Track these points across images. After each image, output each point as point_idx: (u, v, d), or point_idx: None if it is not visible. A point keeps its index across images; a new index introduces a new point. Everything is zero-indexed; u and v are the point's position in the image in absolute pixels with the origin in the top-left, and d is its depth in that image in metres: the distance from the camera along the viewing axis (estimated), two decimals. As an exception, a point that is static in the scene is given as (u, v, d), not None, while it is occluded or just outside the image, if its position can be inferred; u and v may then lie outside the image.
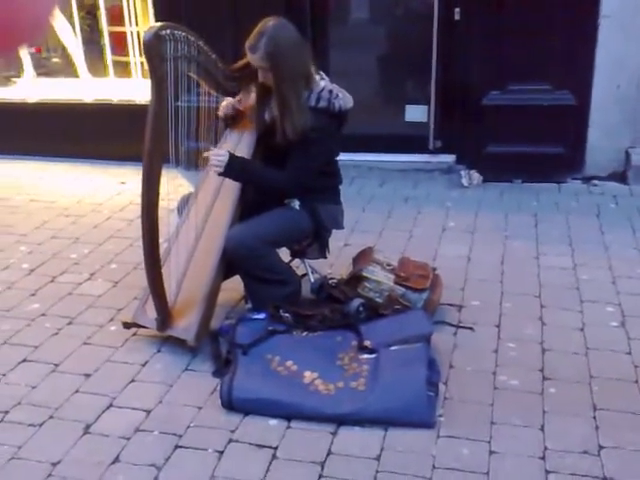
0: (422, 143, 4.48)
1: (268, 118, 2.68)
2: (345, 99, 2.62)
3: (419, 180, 4.39)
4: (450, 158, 4.48)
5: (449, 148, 4.47)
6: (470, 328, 2.73)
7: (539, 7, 4.06)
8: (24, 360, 2.58)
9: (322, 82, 2.61)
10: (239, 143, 2.81)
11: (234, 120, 2.88)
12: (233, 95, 2.80)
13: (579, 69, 4.12)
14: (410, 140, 4.54)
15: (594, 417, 2.21)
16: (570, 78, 4.14)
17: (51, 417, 2.26)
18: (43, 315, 2.91)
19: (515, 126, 4.21)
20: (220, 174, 2.58)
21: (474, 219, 3.82)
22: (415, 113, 4.54)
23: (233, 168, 2.56)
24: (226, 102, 2.80)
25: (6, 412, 2.29)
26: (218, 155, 2.54)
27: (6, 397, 2.36)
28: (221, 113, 2.83)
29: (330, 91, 2.58)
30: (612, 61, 4.06)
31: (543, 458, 2.04)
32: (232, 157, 2.55)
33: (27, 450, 2.11)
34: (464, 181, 4.31)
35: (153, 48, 2.30)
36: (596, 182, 4.26)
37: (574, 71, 4.12)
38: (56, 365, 2.54)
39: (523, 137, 4.23)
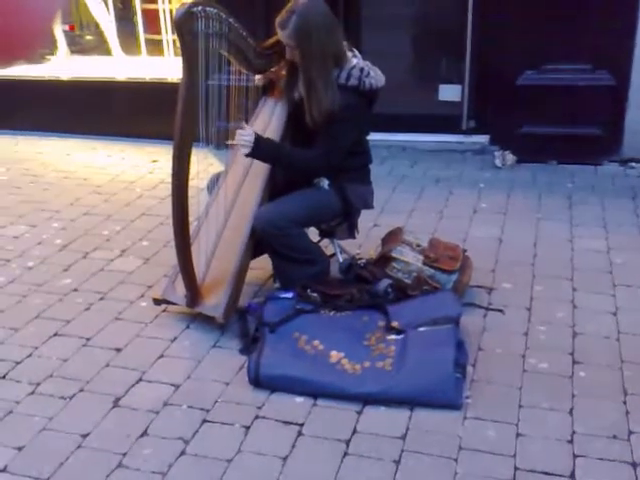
0: (455, 123, 4.42)
1: (297, 97, 2.67)
2: (377, 77, 2.59)
3: (451, 161, 4.34)
4: (484, 138, 4.42)
5: (483, 128, 4.40)
6: (500, 310, 2.70)
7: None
8: (56, 334, 2.63)
9: (354, 60, 2.58)
10: (273, 113, 2.81)
11: (270, 88, 2.86)
12: (264, 73, 2.78)
13: (618, 48, 4.00)
14: (443, 120, 4.48)
15: (624, 402, 2.17)
16: (609, 58, 4.03)
17: (82, 390, 2.30)
18: (75, 290, 2.95)
19: (551, 106, 4.13)
20: (247, 155, 2.57)
21: (506, 200, 3.77)
22: (449, 92, 4.47)
23: (260, 149, 2.54)
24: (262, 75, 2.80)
25: (38, 384, 2.33)
26: (244, 135, 2.53)
27: (38, 369, 2.41)
28: (259, 82, 2.82)
29: (361, 69, 2.55)
30: (653, 40, 3.95)
31: (571, 442, 2.02)
32: (258, 138, 2.53)
33: (58, 422, 2.16)
34: (497, 162, 4.25)
35: (185, 25, 2.29)
36: (633, 164, 4.16)
37: (613, 50, 4.01)
38: (87, 339, 2.59)
39: (559, 118, 4.15)
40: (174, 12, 2.38)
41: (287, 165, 2.69)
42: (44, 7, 0.85)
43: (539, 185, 3.96)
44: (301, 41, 2.47)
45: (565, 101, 4.11)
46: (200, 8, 2.33)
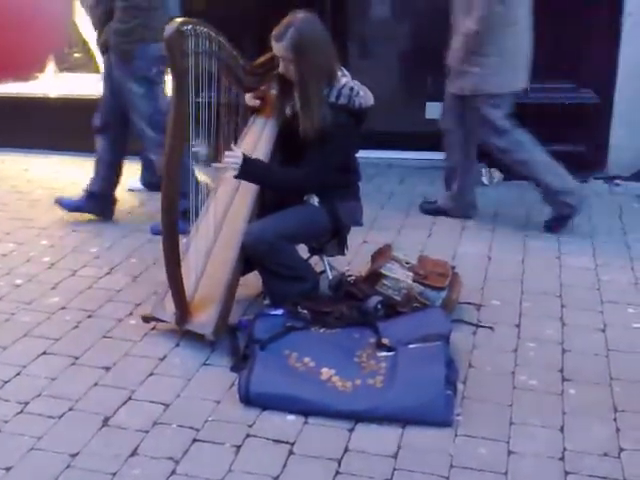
0: (442, 141, 4.44)
1: (289, 112, 2.68)
2: (366, 97, 2.62)
3: (439, 178, 4.35)
4: (470, 156, 4.44)
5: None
6: (490, 327, 2.71)
7: (562, 4, 4.01)
8: (44, 352, 2.60)
9: (343, 79, 2.61)
10: (263, 131, 2.82)
11: (260, 107, 2.88)
12: (254, 91, 2.80)
13: (602, 67, 4.07)
14: (430, 137, 4.50)
15: (614, 419, 2.18)
16: (593, 76, 4.09)
17: (70, 409, 2.28)
18: (63, 308, 2.93)
19: (536, 125, 4.15)
20: (235, 177, 2.58)
21: (494, 218, 3.79)
22: (435, 110, 4.48)
23: (248, 171, 2.55)
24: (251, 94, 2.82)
25: (26, 403, 2.31)
26: (232, 157, 2.53)
27: (26, 388, 2.38)
28: (250, 100, 2.84)
29: (351, 88, 2.57)
30: (636, 58, 4.01)
31: (562, 459, 2.02)
32: (247, 160, 2.54)
33: (46, 441, 2.13)
34: (484, 179, 4.28)
35: (175, 43, 2.31)
36: (618, 182, 4.21)
37: (597, 69, 4.08)
38: (76, 358, 2.56)
39: (544, 136, 4.16)
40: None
41: (276, 186, 2.70)
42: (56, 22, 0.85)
43: (526, 202, 3.99)
44: (298, 54, 2.49)
45: (550, 119, 4.15)
46: (190, 27, 2.35)
